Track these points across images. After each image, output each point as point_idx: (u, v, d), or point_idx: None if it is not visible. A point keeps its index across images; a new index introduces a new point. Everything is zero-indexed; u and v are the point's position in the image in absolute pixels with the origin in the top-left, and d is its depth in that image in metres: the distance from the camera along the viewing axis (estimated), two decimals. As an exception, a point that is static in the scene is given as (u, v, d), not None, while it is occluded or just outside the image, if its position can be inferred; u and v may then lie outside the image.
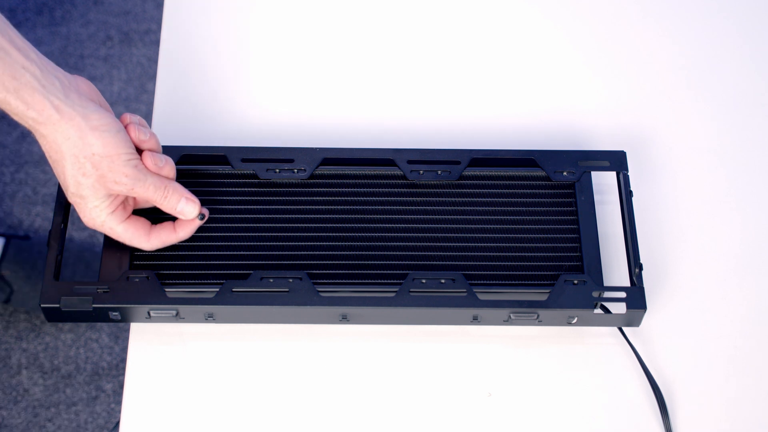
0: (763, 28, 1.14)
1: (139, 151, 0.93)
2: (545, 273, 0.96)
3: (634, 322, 0.95)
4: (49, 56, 2.08)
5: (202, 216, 0.95)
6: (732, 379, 0.95)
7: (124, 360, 1.77)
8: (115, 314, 0.94)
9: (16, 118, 0.87)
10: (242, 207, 0.99)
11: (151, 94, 2.05)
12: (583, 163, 1.00)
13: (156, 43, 2.12)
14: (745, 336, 0.97)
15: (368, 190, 1.00)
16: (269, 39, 1.14)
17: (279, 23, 1.15)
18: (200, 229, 0.98)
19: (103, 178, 0.89)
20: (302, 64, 1.12)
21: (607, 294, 0.94)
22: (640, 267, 0.95)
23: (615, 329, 0.97)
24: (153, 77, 2.08)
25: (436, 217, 0.99)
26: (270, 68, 1.12)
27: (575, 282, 0.94)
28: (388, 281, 0.95)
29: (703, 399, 0.94)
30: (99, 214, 0.92)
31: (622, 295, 0.94)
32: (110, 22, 2.14)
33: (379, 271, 0.96)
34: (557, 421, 0.93)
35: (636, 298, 0.94)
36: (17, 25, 2.14)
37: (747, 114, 1.09)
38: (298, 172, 1.00)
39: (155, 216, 0.96)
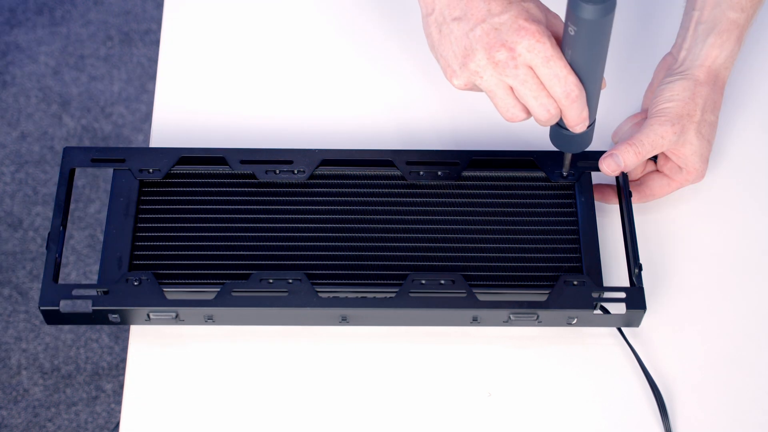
0: (762, 28, 1.14)
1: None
2: (545, 274, 0.96)
3: (634, 322, 0.95)
4: (48, 56, 2.09)
5: None
6: (732, 379, 0.95)
7: (124, 360, 1.78)
8: (114, 317, 0.94)
9: None
10: (241, 208, 0.99)
11: (151, 94, 2.05)
12: (583, 163, 1.00)
13: (156, 43, 2.12)
14: (745, 336, 0.97)
15: (367, 191, 1.00)
16: (269, 39, 1.14)
17: (279, 24, 1.15)
18: (200, 230, 0.98)
19: None
20: (301, 65, 1.12)
21: (607, 294, 0.94)
22: (640, 267, 0.95)
23: (614, 329, 0.97)
24: (153, 77, 2.08)
25: (436, 218, 0.98)
26: (270, 69, 1.12)
27: (575, 283, 0.94)
28: (388, 282, 0.95)
29: (702, 399, 0.94)
30: None
31: (622, 295, 0.94)
32: (110, 22, 2.14)
33: (378, 272, 0.96)
34: (557, 421, 0.93)
35: (636, 298, 0.94)
36: (17, 24, 2.13)
37: (747, 113, 1.09)
38: (297, 173, 1.00)
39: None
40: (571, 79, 0.87)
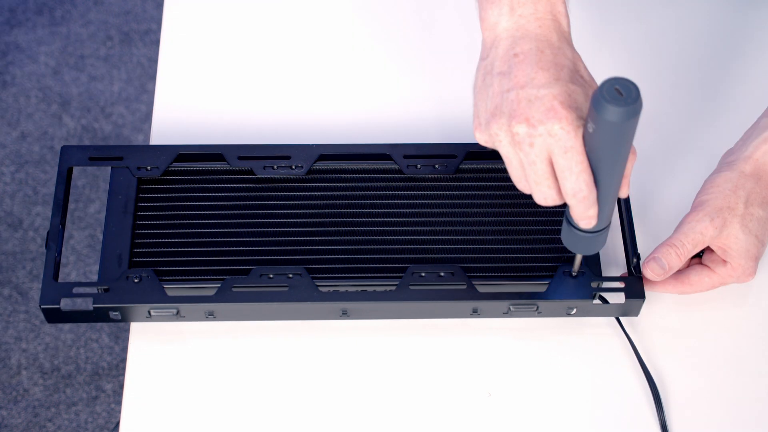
0: (760, 27, 1.14)
1: None
2: (544, 264, 0.96)
3: (633, 311, 0.95)
4: (49, 56, 2.09)
5: None
6: (727, 375, 0.95)
7: (124, 360, 1.78)
8: (115, 314, 0.94)
9: None
10: (240, 203, 0.99)
11: (151, 94, 2.05)
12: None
13: (156, 43, 2.12)
14: (742, 331, 0.97)
15: (366, 185, 1.00)
16: (267, 37, 1.14)
17: (276, 22, 1.15)
18: (199, 227, 0.98)
19: None
20: (298, 61, 1.12)
21: (606, 284, 0.94)
22: (638, 257, 0.95)
23: (614, 320, 0.97)
24: (153, 77, 2.08)
25: (434, 210, 0.99)
26: (266, 65, 1.12)
27: (574, 273, 0.94)
28: (388, 275, 0.95)
29: (698, 394, 0.94)
30: None
31: (621, 285, 0.94)
32: (110, 22, 2.14)
33: (378, 265, 0.96)
34: (555, 412, 0.93)
35: (634, 287, 0.94)
36: (17, 25, 2.14)
37: (747, 112, 1.09)
38: (295, 168, 1.00)
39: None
40: (584, 177, 0.81)
